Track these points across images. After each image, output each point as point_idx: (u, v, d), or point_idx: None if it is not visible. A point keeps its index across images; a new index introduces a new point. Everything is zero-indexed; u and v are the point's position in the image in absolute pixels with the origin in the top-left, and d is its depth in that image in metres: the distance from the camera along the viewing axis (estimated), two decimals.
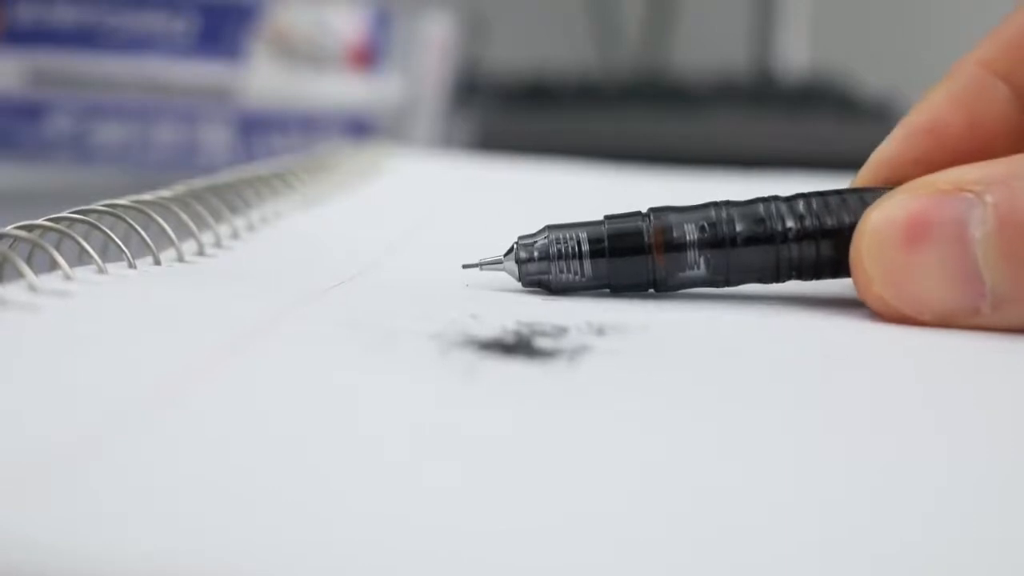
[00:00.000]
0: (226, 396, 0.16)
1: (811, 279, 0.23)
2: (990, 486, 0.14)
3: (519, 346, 0.18)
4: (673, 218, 0.22)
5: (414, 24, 0.58)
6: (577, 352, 0.18)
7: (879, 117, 0.59)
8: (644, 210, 0.23)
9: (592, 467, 0.14)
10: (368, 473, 0.13)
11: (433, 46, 0.58)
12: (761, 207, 0.22)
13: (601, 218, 0.23)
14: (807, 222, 0.22)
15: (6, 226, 0.21)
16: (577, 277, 0.23)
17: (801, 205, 0.22)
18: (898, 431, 0.16)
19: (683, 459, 0.14)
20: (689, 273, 0.22)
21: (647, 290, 0.23)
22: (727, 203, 0.23)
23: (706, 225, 0.22)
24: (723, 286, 0.23)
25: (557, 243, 0.23)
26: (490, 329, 0.19)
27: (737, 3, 0.96)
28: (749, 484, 0.13)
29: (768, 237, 0.22)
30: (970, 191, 0.20)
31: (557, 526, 0.12)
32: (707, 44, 0.95)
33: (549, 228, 0.23)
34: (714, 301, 0.23)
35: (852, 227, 0.22)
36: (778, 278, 0.23)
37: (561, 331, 0.20)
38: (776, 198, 0.22)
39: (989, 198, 0.20)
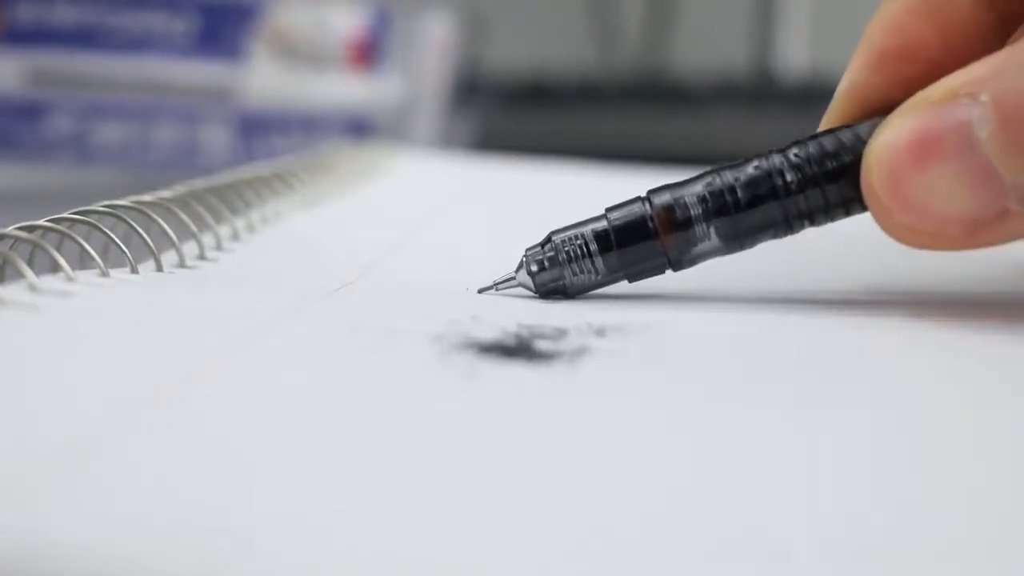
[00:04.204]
0: (226, 397, 0.16)
1: (826, 223, 0.22)
2: (999, 485, 0.14)
3: (519, 349, 0.18)
4: (673, 195, 0.22)
5: (414, 24, 0.58)
6: (577, 354, 0.18)
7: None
8: (642, 194, 0.23)
9: (592, 468, 0.14)
10: (368, 474, 0.13)
11: (433, 46, 0.58)
12: (757, 164, 0.22)
13: (602, 212, 0.23)
14: (807, 170, 0.22)
15: (6, 226, 0.21)
16: (592, 276, 0.23)
17: (797, 154, 0.22)
18: (901, 432, 0.16)
19: (683, 459, 0.14)
20: (702, 246, 0.22)
21: (665, 272, 0.23)
22: (722, 168, 0.22)
23: (707, 195, 0.22)
24: (740, 251, 0.23)
25: (564, 246, 0.23)
26: (490, 331, 0.19)
27: (737, 3, 0.96)
28: (750, 484, 0.13)
29: (771, 193, 0.22)
30: (964, 95, 0.20)
31: (558, 527, 0.12)
32: (707, 44, 0.95)
33: (553, 233, 0.23)
34: (718, 300, 0.23)
35: (852, 164, 0.21)
36: (792, 230, 0.22)
37: (561, 333, 0.20)
38: (771, 152, 0.22)
39: (984, 96, 0.19)
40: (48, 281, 0.20)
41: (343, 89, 0.56)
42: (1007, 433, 0.16)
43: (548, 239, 0.23)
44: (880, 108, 0.22)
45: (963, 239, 0.20)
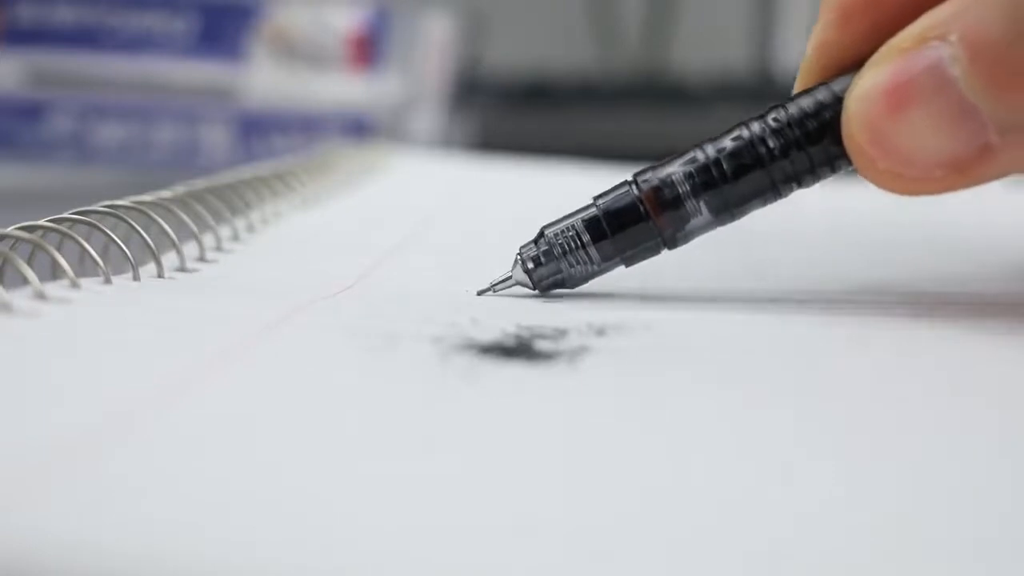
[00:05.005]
0: (227, 398, 0.16)
1: (814, 183, 0.22)
2: (1001, 484, 0.14)
3: (519, 349, 0.18)
4: (660, 175, 0.22)
5: (414, 23, 0.58)
6: (577, 353, 0.18)
7: None
8: (628, 177, 0.23)
9: (593, 467, 0.14)
10: (368, 475, 0.13)
11: (433, 45, 0.58)
12: (738, 134, 0.22)
13: (590, 201, 0.23)
14: (788, 134, 0.22)
15: (6, 226, 0.21)
16: (589, 266, 0.22)
17: (776, 119, 0.22)
18: (901, 432, 0.16)
19: (683, 458, 0.14)
20: (694, 222, 0.22)
21: (661, 252, 0.23)
22: (703, 142, 0.22)
23: (693, 172, 0.22)
24: (732, 221, 0.23)
25: (557, 239, 0.23)
26: (490, 333, 0.19)
27: (737, 3, 0.96)
28: (752, 483, 0.13)
29: (757, 161, 0.22)
30: (933, 37, 0.20)
31: (559, 526, 0.12)
32: (707, 44, 0.95)
33: (545, 228, 0.23)
34: (718, 300, 0.23)
35: (832, 121, 0.21)
36: (781, 195, 0.22)
37: (561, 333, 0.20)
38: (750, 120, 0.22)
39: (953, 36, 0.20)
40: (52, 288, 0.20)
41: (343, 89, 0.56)
42: (1008, 432, 0.16)
43: (540, 234, 0.23)
44: (851, 64, 0.22)
45: (949, 180, 0.20)
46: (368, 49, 0.57)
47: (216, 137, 0.54)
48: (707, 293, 0.24)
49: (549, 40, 0.95)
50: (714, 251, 0.24)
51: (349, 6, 0.58)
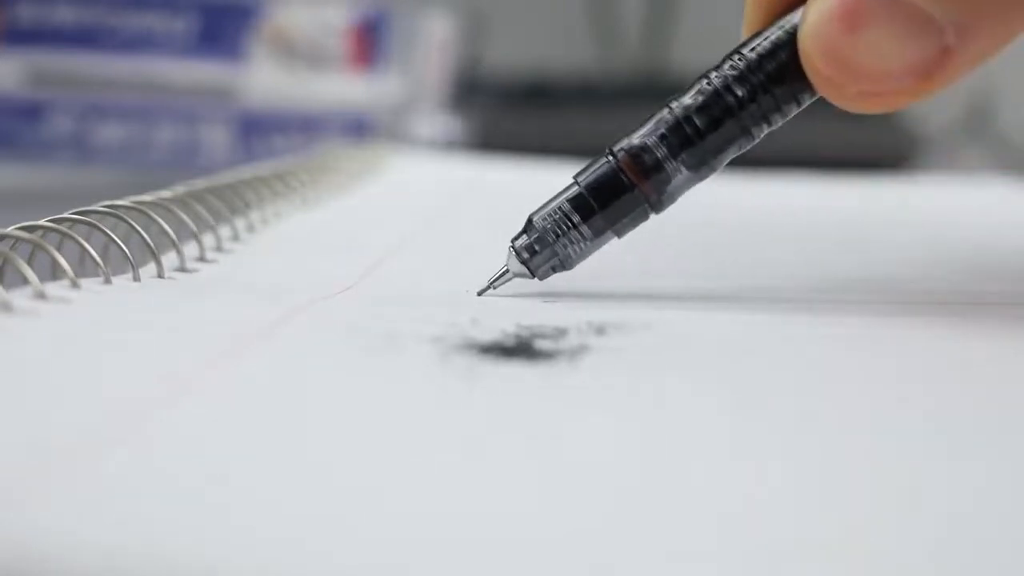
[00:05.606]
0: (227, 399, 0.16)
1: (782, 121, 0.22)
2: (1001, 486, 0.14)
3: (519, 348, 0.19)
4: (635, 143, 0.22)
5: (414, 23, 0.58)
6: (577, 352, 0.18)
7: (877, 117, 0.59)
8: (604, 151, 0.23)
9: (593, 466, 0.14)
10: (368, 475, 0.13)
11: (433, 45, 0.58)
12: (700, 88, 0.22)
13: (570, 181, 0.23)
14: (752, 79, 0.22)
15: (6, 226, 0.21)
16: (583, 244, 0.23)
17: (734, 66, 0.22)
18: (901, 432, 0.16)
19: (683, 457, 0.14)
20: (675, 182, 0.22)
21: (649, 217, 0.23)
22: (668, 102, 0.22)
23: (666, 132, 0.22)
24: (710, 174, 0.23)
25: (545, 223, 0.23)
26: (490, 333, 0.19)
27: (737, 3, 0.96)
28: (752, 481, 0.13)
29: (727, 112, 0.22)
30: None
31: (559, 526, 0.12)
32: (707, 44, 0.95)
33: (532, 215, 0.23)
34: (719, 299, 0.23)
35: (791, 58, 0.21)
36: (754, 138, 0.22)
37: (561, 332, 0.20)
38: (708, 71, 0.22)
39: None
40: (52, 288, 0.20)
41: (343, 89, 0.56)
42: (1008, 432, 0.16)
43: (529, 222, 0.23)
44: (792, 4, 0.22)
45: (916, 88, 0.21)
46: (368, 49, 0.57)
47: (216, 137, 0.54)
48: (707, 293, 0.24)
49: (549, 40, 0.95)
50: (715, 251, 0.24)
51: (349, 6, 0.58)
